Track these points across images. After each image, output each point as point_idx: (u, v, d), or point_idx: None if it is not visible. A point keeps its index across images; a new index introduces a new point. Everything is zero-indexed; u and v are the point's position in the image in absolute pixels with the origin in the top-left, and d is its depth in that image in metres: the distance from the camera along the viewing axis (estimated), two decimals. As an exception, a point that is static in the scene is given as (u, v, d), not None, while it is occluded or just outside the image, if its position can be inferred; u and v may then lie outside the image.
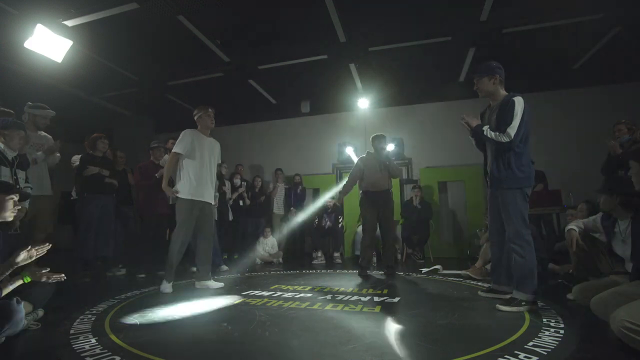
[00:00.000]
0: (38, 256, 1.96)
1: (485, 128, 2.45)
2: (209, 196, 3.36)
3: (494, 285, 2.71)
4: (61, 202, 6.53)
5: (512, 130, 2.31)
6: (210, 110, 3.47)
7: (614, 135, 3.59)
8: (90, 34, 4.47)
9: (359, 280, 3.69)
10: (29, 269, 1.96)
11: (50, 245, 2.05)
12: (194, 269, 4.42)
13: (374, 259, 4.52)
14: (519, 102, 2.35)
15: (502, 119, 2.38)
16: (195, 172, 3.27)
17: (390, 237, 4.12)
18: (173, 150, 3.28)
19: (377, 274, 4.15)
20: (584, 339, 1.73)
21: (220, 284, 3.37)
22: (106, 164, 4.19)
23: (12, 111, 3.36)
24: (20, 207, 2.18)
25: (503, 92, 2.53)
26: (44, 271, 1.98)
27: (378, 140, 4.17)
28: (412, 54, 5.33)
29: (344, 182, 4.45)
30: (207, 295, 3.00)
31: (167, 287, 3.18)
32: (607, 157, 3.64)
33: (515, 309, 2.26)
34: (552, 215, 5.00)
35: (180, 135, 3.32)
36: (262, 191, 6.29)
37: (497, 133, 2.37)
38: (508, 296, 2.41)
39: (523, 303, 2.28)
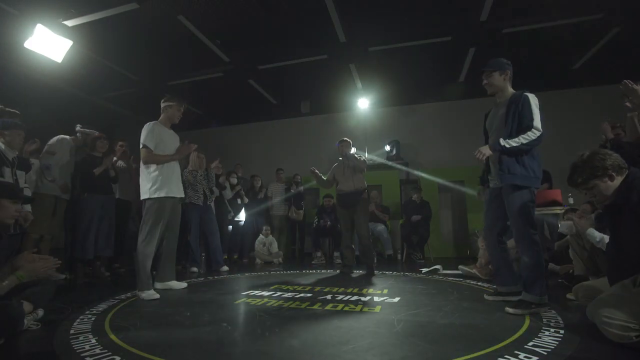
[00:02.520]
0: (43, 270, 1.96)
1: (502, 141, 2.26)
2: (178, 191, 3.14)
3: (499, 288, 2.58)
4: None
5: (538, 123, 2.22)
6: (183, 106, 3.24)
7: (607, 133, 3.57)
8: (90, 34, 4.47)
9: (359, 280, 3.69)
10: (23, 266, 1.95)
11: (58, 262, 2.05)
12: (194, 269, 4.45)
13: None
14: (532, 97, 2.29)
15: (518, 115, 2.29)
16: (160, 167, 2.99)
17: (364, 237, 4.15)
18: (143, 145, 2.96)
19: (360, 272, 4.20)
20: (584, 339, 1.73)
21: (184, 284, 3.18)
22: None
23: (17, 112, 3.39)
24: (22, 211, 2.18)
25: (511, 89, 2.47)
26: (37, 263, 1.97)
27: (341, 144, 4.42)
28: (412, 54, 5.34)
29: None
30: (207, 295, 3.00)
31: (149, 294, 2.83)
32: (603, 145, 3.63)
33: (526, 311, 2.18)
34: (557, 217, 4.99)
35: (145, 128, 3.02)
36: (262, 191, 6.29)
37: (522, 135, 2.22)
38: (516, 298, 2.34)
39: (533, 306, 2.21)
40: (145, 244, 2.88)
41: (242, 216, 5.99)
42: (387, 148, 6.81)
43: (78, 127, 4.20)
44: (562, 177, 5.97)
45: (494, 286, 2.86)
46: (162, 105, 3.20)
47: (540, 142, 2.24)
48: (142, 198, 3.01)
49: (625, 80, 2.41)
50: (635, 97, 2.42)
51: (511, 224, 2.38)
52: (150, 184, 2.96)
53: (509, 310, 2.22)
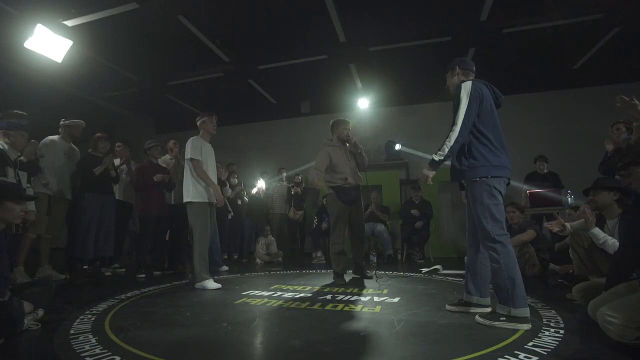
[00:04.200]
0: None
1: (434, 156, 2.14)
2: (212, 197, 3.50)
3: (465, 297, 2.33)
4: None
5: (458, 119, 2.06)
6: (214, 117, 3.58)
7: (613, 135, 3.58)
8: (90, 34, 4.47)
9: (359, 280, 3.69)
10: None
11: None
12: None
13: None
14: (464, 87, 2.12)
15: (454, 107, 2.14)
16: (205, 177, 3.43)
17: (360, 237, 3.74)
18: (193, 158, 3.35)
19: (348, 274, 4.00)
20: (584, 339, 1.73)
21: (218, 285, 3.31)
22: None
23: (25, 113, 3.43)
24: (27, 210, 2.19)
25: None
26: None
27: (342, 125, 3.61)
28: (412, 54, 5.34)
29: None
30: (207, 295, 3.00)
31: (212, 283, 3.27)
32: (605, 157, 3.63)
33: (495, 323, 1.92)
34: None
35: (190, 143, 3.42)
36: (262, 191, 6.29)
37: (447, 138, 2.08)
38: (486, 309, 2.19)
39: (502, 318, 1.91)
40: (197, 243, 3.32)
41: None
42: (398, 147, 6.79)
43: (62, 122, 4.01)
44: (561, 177, 5.98)
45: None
46: (198, 123, 3.54)
47: (463, 134, 2.06)
48: (185, 200, 3.39)
49: (620, 97, 2.33)
50: (635, 112, 2.37)
51: (476, 223, 2.15)
52: (193, 190, 3.37)
53: (478, 319, 2.02)
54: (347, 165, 3.57)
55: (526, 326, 1.87)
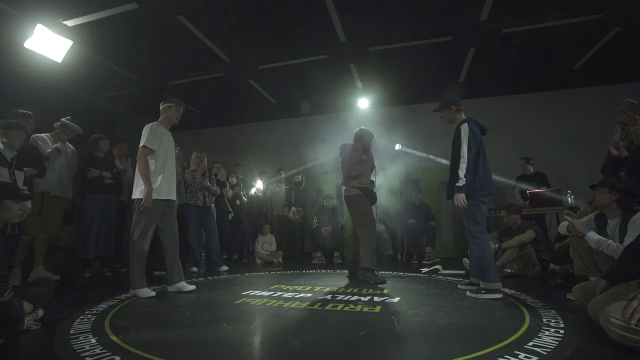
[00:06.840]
0: None
1: (457, 184, 2.77)
2: (172, 193, 3.13)
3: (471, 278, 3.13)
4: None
5: (463, 157, 2.72)
6: (182, 107, 3.26)
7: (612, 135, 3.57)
8: (90, 34, 4.47)
9: (358, 280, 3.69)
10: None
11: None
12: (194, 269, 4.44)
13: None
14: (463, 130, 2.77)
15: (455, 144, 2.83)
16: (160, 169, 3.03)
17: (357, 236, 3.83)
18: (143, 145, 2.94)
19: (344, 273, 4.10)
20: (584, 339, 1.73)
21: (192, 287, 3.14)
22: (108, 164, 4.19)
23: (30, 113, 3.42)
24: (25, 209, 2.19)
25: (461, 117, 2.96)
26: None
27: (373, 139, 3.97)
28: (412, 54, 5.33)
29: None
30: (207, 295, 3.00)
31: (147, 291, 2.91)
32: (608, 156, 3.62)
33: (479, 296, 2.65)
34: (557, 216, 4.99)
35: (148, 128, 3.01)
36: (262, 191, 6.29)
37: (460, 169, 2.74)
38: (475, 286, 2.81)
39: (483, 291, 2.66)
40: (134, 243, 2.92)
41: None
42: (398, 147, 6.78)
43: (64, 120, 3.92)
44: (561, 177, 5.99)
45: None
46: (162, 107, 3.21)
47: (469, 168, 2.73)
48: (133, 197, 2.99)
49: (627, 100, 2.45)
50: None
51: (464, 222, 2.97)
52: (140, 185, 2.95)
53: (468, 294, 2.74)
54: (368, 171, 3.97)
55: (498, 295, 2.63)
